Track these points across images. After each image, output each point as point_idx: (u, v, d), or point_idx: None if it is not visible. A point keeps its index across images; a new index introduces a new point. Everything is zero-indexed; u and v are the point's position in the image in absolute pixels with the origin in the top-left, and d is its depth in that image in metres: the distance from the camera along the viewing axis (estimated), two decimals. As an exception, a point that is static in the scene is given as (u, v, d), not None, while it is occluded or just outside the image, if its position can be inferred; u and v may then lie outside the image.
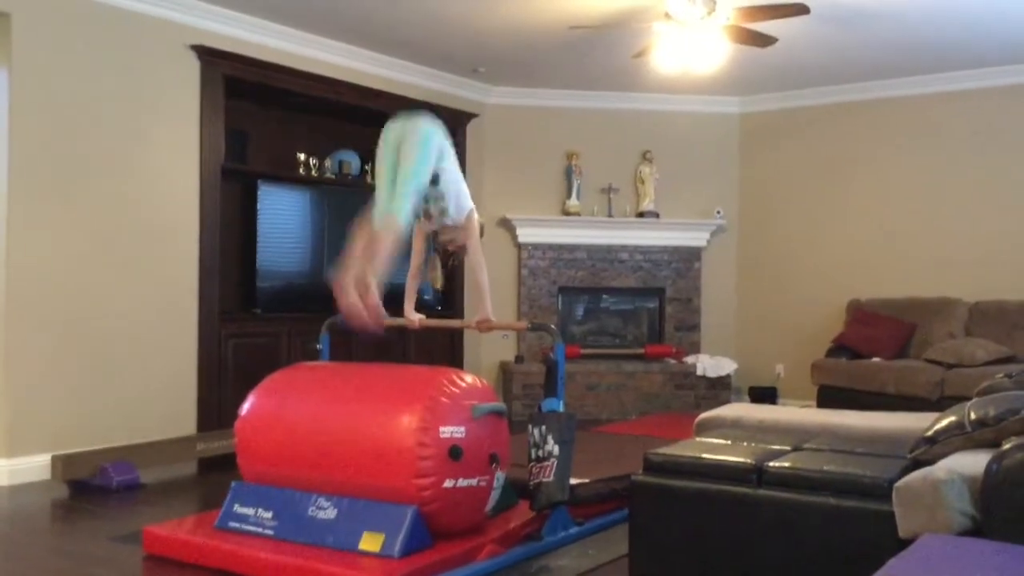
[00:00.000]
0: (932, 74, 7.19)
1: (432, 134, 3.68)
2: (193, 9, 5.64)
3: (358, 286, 3.53)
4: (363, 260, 3.57)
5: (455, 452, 3.27)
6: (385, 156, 3.68)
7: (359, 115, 6.88)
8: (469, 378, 3.54)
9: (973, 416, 2.76)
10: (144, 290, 5.47)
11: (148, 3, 5.43)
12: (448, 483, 3.29)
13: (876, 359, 6.84)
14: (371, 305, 3.51)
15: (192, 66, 5.72)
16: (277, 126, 6.58)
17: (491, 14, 5.82)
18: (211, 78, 5.79)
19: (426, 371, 3.63)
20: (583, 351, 7.90)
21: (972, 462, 2.55)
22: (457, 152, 3.91)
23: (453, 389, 3.41)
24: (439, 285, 4.01)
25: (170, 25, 5.58)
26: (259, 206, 6.08)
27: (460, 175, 3.86)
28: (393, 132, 3.69)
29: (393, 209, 3.53)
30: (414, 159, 3.58)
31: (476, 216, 3.89)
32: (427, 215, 3.80)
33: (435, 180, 3.70)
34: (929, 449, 2.84)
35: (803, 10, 5.00)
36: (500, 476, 3.54)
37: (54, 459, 4.87)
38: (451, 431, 3.30)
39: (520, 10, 5.72)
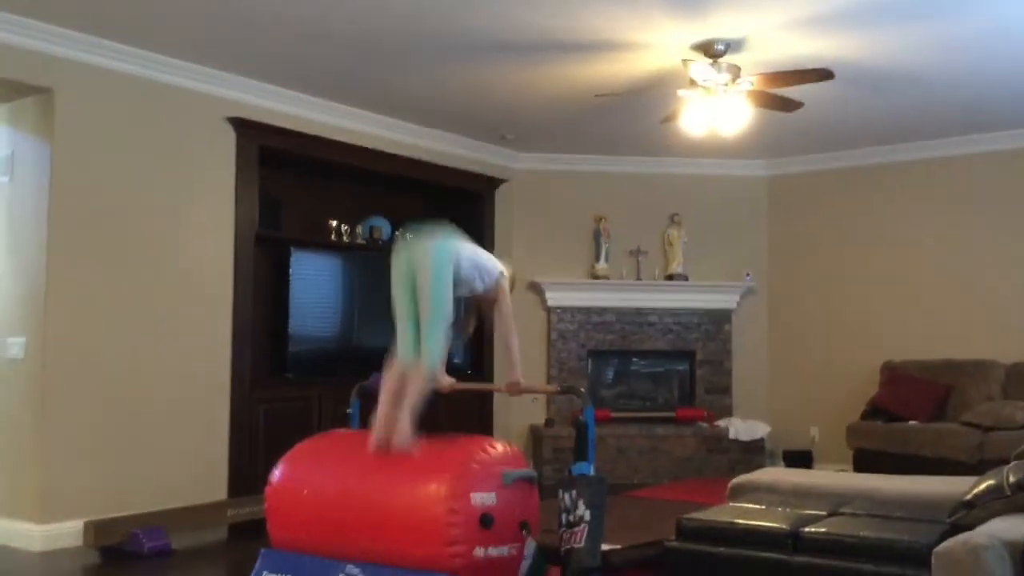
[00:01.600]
0: (961, 135, 7.19)
1: (441, 252, 3.57)
2: (229, 83, 5.81)
3: (388, 426, 3.48)
4: (391, 405, 3.49)
5: (486, 520, 3.24)
6: (401, 288, 3.58)
7: (389, 182, 7.00)
8: (499, 445, 3.53)
9: (1012, 480, 2.72)
10: (178, 356, 5.54)
11: (186, 78, 5.61)
12: (479, 552, 3.24)
13: (912, 422, 6.73)
14: (400, 438, 3.44)
15: (228, 137, 5.87)
16: (309, 193, 6.70)
17: (518, 83, 5.93)
18: (246, 148, 5.93)
19: (456, 438, 3.61)
20: (613, 414, 7.84)
21: (1012, 527, 2.50)
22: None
23: (483, 456, 3.39)
24: (470, 330, 3.98)
25: (207, 98, 5.75)
26: (291, 272, 6.17)
27: (476, 253, 3.77)
28: (403, 260, 3.60)
29: (424, 356, 3.48)
30: (432, 295, 3.48)
31: (507, 284, 3.80)
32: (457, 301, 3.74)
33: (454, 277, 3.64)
34: (968, 513, 2.79)
35: (827, 75, 5.05)
36: (531, 544, 3.50)
37: (86, 525, 4.89)
38: (482, 498, 3.26)
39: (546, 78, 5.83)
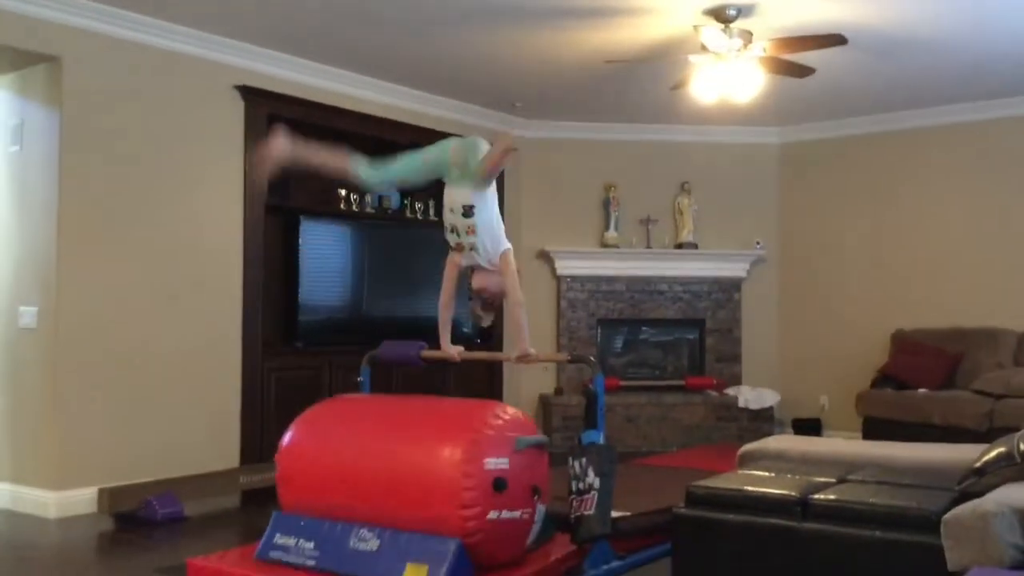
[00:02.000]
0: (973, 101, 7.12)
1: (477, 145, 3.84)
2: (237, 50, 5.78)
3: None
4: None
5: (499, 484, 3.27)
6: (427, 151, 3.89)
7: (398, 150, 6.91)
8: (511, 411, 3.55)
9: (1022, 447, 2.71)
10: (189, 325, 5.56)
11: (194, 45, 5.58)
12: (492, 515, 3.27)
13: (922, 390, 6.72)
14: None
15: (236, 106, 5.85)
16: (318, 162, 6.67)
17: (527, 50, 5.88)
18: (255, 117, 5.91)
19: (469, 404, 3.64)
20: (623, 383, 7.85)
21: (1022, 494, 2.50)
22: (495, 186, 3.89)
23: (497, 421, 3.41)
24: (486, 324, 3.97)
25: (215, 66, 5.72)
26: (301, 241, 6.17)
27: (497, 214, 3.79)
28: (446, 145, 3.90)
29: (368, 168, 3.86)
30: (437, 147, 3.85)
31: (512, 258, 3.79)
32: (458, 247, 3.76)
33: (468, 212, 3.68)
34: (978, 481, 2.79)
35: (840, 41, 4.99)
36: (541, 509, 3.53)
37: (100, 492, 4.95)
38: (495, 463, 3.29)
39: (555, 45, 5.78)
